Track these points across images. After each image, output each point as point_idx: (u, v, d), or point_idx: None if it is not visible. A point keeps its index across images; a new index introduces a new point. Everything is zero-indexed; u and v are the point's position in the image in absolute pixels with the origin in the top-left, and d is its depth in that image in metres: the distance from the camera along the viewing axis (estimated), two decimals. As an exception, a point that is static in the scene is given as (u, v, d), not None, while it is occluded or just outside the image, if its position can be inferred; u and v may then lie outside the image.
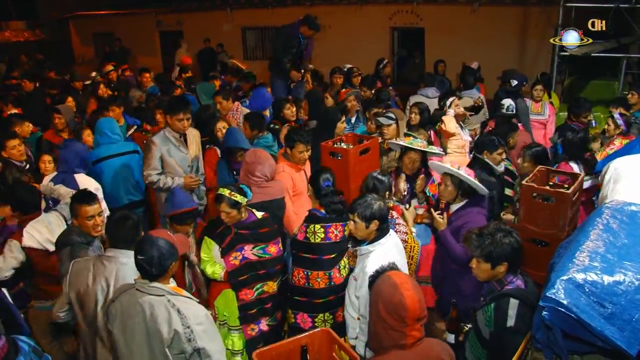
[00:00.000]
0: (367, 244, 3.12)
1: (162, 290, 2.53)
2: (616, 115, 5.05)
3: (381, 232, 3.12)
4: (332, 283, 3.46)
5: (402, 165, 4.28)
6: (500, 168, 4.48)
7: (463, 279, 3.44)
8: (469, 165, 4.57)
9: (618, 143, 4.84)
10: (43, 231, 3.47)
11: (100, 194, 4.10)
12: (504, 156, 4.53)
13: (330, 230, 3.41)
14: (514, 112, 5.74)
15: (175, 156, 4.38)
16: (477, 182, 3.56)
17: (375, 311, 2.20)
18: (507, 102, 5.74)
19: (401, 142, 4.29)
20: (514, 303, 2.54)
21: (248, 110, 5.84)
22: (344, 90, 6.41)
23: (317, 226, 3.40)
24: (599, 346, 2.30)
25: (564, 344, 2.38)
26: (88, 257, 3.02)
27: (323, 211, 3.50)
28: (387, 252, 3.08)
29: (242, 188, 3.44)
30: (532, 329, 2.49)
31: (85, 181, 4.20)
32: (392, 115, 5.01)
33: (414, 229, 3.76)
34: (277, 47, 7.05)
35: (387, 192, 3.70)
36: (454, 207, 3.69)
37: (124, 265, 2.83)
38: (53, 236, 3.43)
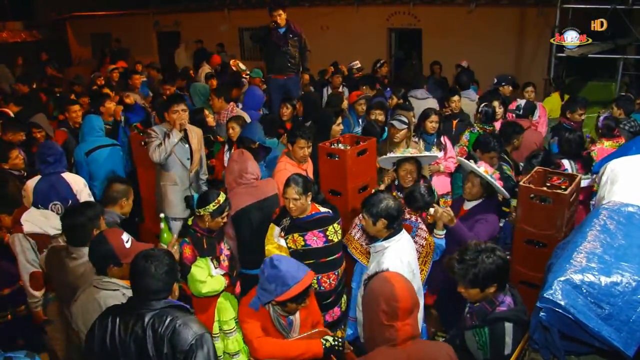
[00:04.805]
0: (381, 241, 3.13)
1: (117, 284, 2.61)
2: (601, 118, 5.11)
3: (393, 230, 3.13)
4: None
5: (399, 180, 4.17)
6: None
7: None
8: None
9: (600, 145, 4.88)
10: (39, 218, 3.53)
11: (87, 189, 4.21)
12: (495, 161, 4.45)
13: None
14: (521, 112, 5.78)
15: (176, 148, 4.44)
16: (499, 186, 3.63)
17: (369, 310, 2.21)
18: (519, 102, 5.80)
19: (391, 155, 4.19)
20: (509, 328, 2.48)
21: (243, 112, 5.84)
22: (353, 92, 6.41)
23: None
24: (597, 347, 2.31)
25: (562, 344, 2.39)
26: (56, 246, 3.12)
27: (322, 210, 3.50)
28: (402, 248, 3.11)
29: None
30: (529, 330, 2.50)
31: (73, 179, 4.19)
32: (405, 119, 4.94)
33: (441, 232, 3.65)
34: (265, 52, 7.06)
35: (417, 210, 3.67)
36: (469, 205, 3.76)
37: (77, 260, 2.92)
38: (49, 222, 3.51)
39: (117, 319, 2.27)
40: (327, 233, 3.43)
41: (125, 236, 2.71)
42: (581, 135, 4.63)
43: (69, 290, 2.84)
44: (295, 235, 3.40)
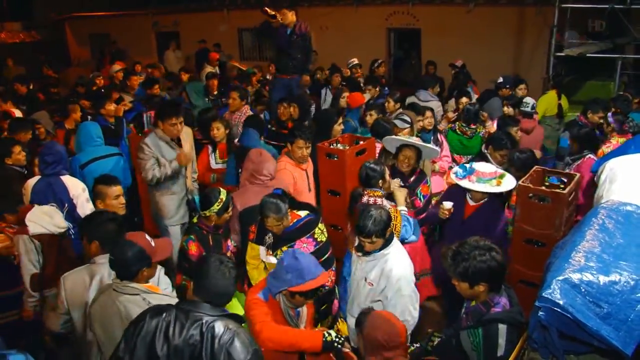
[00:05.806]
0: (380, 250, 3.12)
1: (137, 289, 2.56)
2: (609, 115, 5.17)
3: (391, 234, 3.14)
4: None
5: (397, 164, 4.27)
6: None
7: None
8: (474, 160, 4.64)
9: (614, 141, 4.92)
10: (44, 217, 3.51)
11: (86, 194, 4.11)
12: (505, 159, 4.47)
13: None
14: (531, 110, 5.84)
15: (169, 155, 4.35)
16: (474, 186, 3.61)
17: (373, 347, 2.54)
18: (531, 100, 5.83)
19: (397, 137, 4.31)
20: (502, 330, 2.49)
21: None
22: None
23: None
24: (595, 346, 2.30)
25: (560, 344, 2.39)
26: (78, 268, 2.96)
27: (303, 214, 3.43)
28: (400, 249, 3.16)
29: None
30: (528, 329, 2.50)
31: (72, 182, 4.13)
32: (407, 119, 4.96)
33: (404, 208, 3.71)
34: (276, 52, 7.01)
35: (381, 181, 3.67)
36: (473, 202, 3.76)
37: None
38: (53, 220, 3.51)
39: (171, 319, 2.17)
40: (315, 236, 3.38)
41: (147, 236, 2.70)
42: (593, 129, 4.76)
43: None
44: (284, 248, 3.29)
